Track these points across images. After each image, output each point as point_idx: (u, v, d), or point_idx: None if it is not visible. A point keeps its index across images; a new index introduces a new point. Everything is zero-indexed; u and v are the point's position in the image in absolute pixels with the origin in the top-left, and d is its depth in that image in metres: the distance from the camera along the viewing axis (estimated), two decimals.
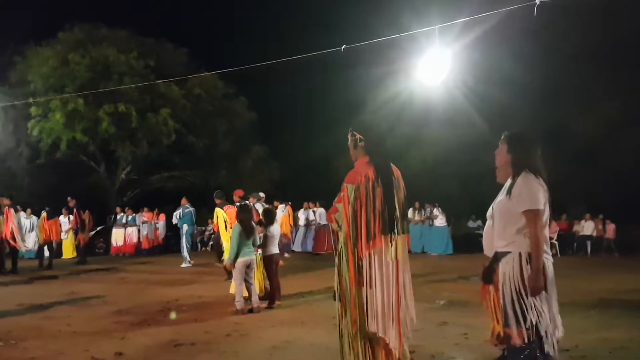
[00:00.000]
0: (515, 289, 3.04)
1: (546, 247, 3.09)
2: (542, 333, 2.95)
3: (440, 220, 16.56)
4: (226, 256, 9.46)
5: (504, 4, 6.58)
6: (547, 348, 2.96)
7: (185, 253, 13.10)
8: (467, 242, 16.52)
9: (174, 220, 13.69)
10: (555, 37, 19.03)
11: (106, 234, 18.21)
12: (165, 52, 22.26)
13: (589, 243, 17.11)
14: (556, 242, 16.06)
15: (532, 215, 3.02)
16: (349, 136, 3.67)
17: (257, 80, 22.76)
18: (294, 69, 21.40)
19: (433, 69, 10.29)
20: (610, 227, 17.08)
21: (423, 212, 16.97)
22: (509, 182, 3.26)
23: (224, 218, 9.43)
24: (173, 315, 6.74)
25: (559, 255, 15.85)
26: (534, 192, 3.06)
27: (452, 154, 21.73)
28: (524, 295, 3.00)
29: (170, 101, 20.81)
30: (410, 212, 16.82)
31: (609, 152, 21.52)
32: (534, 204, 3.03)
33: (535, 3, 5.45)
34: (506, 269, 3.11)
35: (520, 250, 3.07)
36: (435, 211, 16.70)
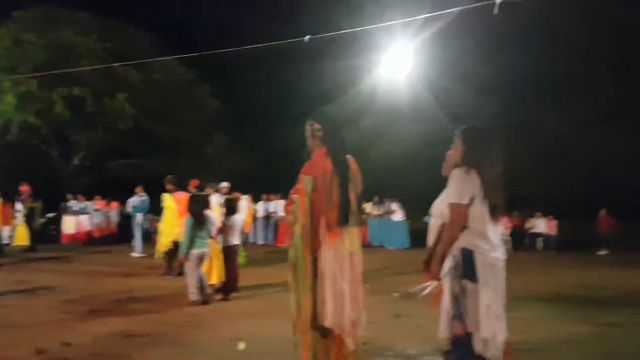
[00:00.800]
0: (453, 283, 3.09)
1: (482, 242, 3.06)
2: (477, 327, 2.98)
3: (398, 215, 16.80)
4: (162, 245, 9.31)
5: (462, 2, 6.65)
6: (476, 343, 2.98)
7: (137, 243, 12.81)
8: (424, 236, 16.76)
9: (128, 209, 13.33)
10: (520, 32, 19.43)
11: (58, 222, 17.61)
12: (125, 35, 21.62)
13: (540, 239, 17.64)
14: (509, 238, 16.50)
15: (452, 208, 3.07)
16: (308, 126, 3.63)
17: (223, 68, 22.46)
18: (259, 59, 21.23)
19: (398, 64, 10.38)
20: (552, 224, 17.64)
21: (382, 207, 17.16)
22: None
23: (170, 204, 9.23)
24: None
25: (511, 250, 16.28)
26: (459, 186, 3.07)
27: (417, 149, 21.95)
28: (460, 290, 3.04)
29: (130, 86, 20.25)
30: (369, 206, 16.99)
31: (572, 150, 22.20)
32: (455, 198, 3.07)
33: (495, 1, 5.51)
34: (447, 263, 3.14)
35: (460, 245, 3.09)
36: (394, 206, 16.94)
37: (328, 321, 3.36)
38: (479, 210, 3.07)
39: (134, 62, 13.89)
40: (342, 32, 7.33)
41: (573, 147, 21.91)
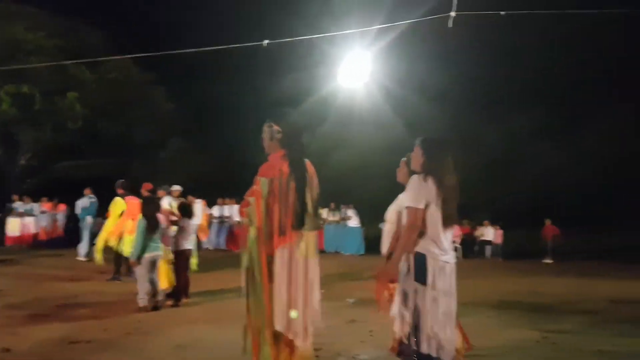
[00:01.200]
0: (405, 286, 3.16)
1: (434, 247, 3.16)
2: (428, 328, 3.05)
3: (354, 222, 16.94)
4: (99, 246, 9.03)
5: (421, 11, 6.79)
6: (426, 343, 3.05)
7: (84, 246, 12.39)
8: (379, 243, 16.96)
9: (77, 211, 12.89)
10: (473, 46, 20.07)
11: (2, 223, 16.82)
12: (78, 33, 20.95)
13: (489, 247, 18.15)
14: (460, 246, 16.91)
15: (408, 211, 3.16)
16: (266, 127, 3.60)
17: (181, 71, 22.11)
18: (219, 63, 21.01)
19: (356, 72, 10.50)
20: (499, 233, 18.21)
21: (338, 213, 17.26)
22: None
23: (120, 208, 8.99)
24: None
25: (461, 258, 16.67)
26: (416, 191, 3.17)
27: (374, 156, 22.24)
28: (411, 292, 3.11)
29: (81, 85, 19.61)
30: (325, 212, 17.06)
31: (518, 162, 23.05)
32: (412, 202, 3.15)
33: (450, 15, 5.66)
34: (401, 268, 3.21)
35: (415, 249, 3.16)
36: (350, 212, 17.08)
37: (280, 326, 3.33)
38: (434, 217, 3.17)
39: (85, 60, 13.50)
40: (300, 38, 7.35)
41: (518, 158, 22.80)
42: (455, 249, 17.06)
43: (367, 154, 21.98)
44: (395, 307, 3.27)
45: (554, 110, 23.19)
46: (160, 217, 6.93)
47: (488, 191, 21.25)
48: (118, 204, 9.10)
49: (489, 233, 18.23)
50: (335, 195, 17.40)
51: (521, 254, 17.65)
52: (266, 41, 7.03)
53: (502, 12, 5.78)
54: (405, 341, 3.16)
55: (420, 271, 3.12)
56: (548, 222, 17.71)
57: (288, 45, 7.95)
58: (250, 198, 3.45)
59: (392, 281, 3.37)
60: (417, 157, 3.36)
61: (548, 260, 16.86)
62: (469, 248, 17.98)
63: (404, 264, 3.19)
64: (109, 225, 8.98)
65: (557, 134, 23.40)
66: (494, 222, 18.48)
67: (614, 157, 22.66)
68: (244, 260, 3.45)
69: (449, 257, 3.22)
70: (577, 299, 8.54)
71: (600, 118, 22.71)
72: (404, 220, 3.26)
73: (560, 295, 8.84)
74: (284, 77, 20.82)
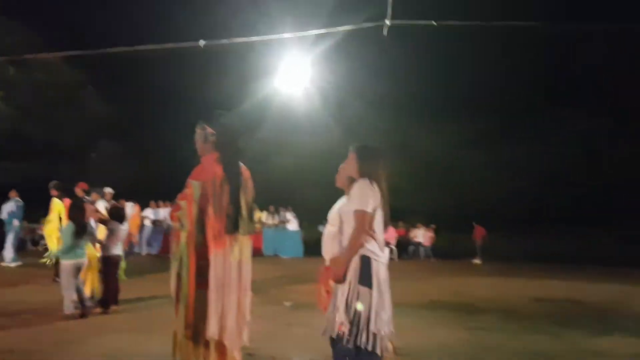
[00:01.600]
0: (350, 288, 3.20)
1: (378, 250, 3.26)
2: (371, 329, 3.12)
3: (292, 225, 16.97)
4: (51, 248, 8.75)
5: (359, 18, 6.92)
6: (371, 344, 3.12)
7: (10, 251, 11.70)
8: (318, 246, 17.10)
9: (3, 215, 12.16)
10: (410, 56, 20.66)
11: None
12: (2, 29, 19.76)
13: (421, 249, 18.73)
14: (394, 248, 17.32)
15: (357, 215, 3.22)
16: (199, 130, 3.55)
17: (113, 72, 21.32)
18: (153, 64, 20.43)
19: (295, 77, 10.53)
20: (429, 235, 18.85)
21: (277, 216, 17.24)
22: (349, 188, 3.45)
23: (59, 210, 8.73)
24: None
25: (396, 259, 17.08)
26: (364, 195, 3.25)
27: (314, 160, 22.38)
28: (355, 294, 3.16)
29: (6, 84, 18.52)
30: (264, 215, 16.99)
31: (449, 168, 23.93)
32: (361, 206, 3.22)
33: (385, 24, 5.79)
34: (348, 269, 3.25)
35: (359, 252, 3.22)
36: (288, 215, 17.10)
37: (212, 332, 3.28)
38: (378, 220, 3.29)
39: (9, 57, 12.78)
40: (237, 40, 7.28)
41: (452, 164, 23.72)
42: (391, 251, 17.52)
43: (306, 158, 22.12)
44: (335, 307, 3.30)
45: (487, 119, 24.30)
46: (89, 219, 6.65)
47: (422, 195, 21.94)
48: (56, 206, 8.82)
49: (422, 235, 18.81)
50: (274, 198, 17.38)
51: (452, 255, 18.33)
52: (202, 41, 6.91)
53: (435, 23, 5.98)
54: (345, 342, 3.19)
55: (365, 273, 3.20)
56: (477, 225, 18.49)
57: (226, 48, 7.84)
58: (181, 202, 3.38)
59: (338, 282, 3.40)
60: (351, 163, 3.47)
61: (477, 261, 17.61)
62: (404, 249, 18.45)
63: (353, 266, 3.24)
64: (52, 228, 8.71)
65: (489, 141, 24.52)
66: (427, 225, 19.10)
67: (542, 165, 24.03)
68: (174, 266, 3.37)
69: (386, 258, 3.34)
70: (502, 298, 8.96)
71: (530, 127, 24.09)
72: (348, 223, 3.31)
73: (487, 295, 9.24)
74: (221, 80, 20.57)
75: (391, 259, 17.43)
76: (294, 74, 10.42)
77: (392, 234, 17.21)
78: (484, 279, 12.15)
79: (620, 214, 22.04)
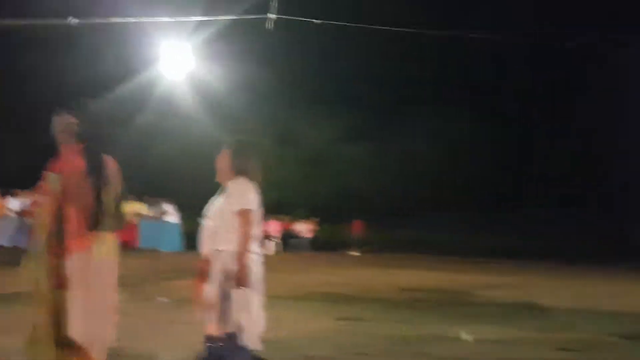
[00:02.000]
0: (225, 286, 3.20)
1: (256, 248, 3.32)
2: (243, 327, 3.15)
3: (171, 217, 16.43)
4: None
5: (245, 8, 6.86)
6: (246, 341, 3.16)
7: None
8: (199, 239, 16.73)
9: None
10: (294, 49, 20.86)
11: None
12: None
13: (303, 241, 19.13)
14: (279, 241, 17.53)
15: (242, 215, 3.24)
16: (59, 118, 3.29)
17: None
18: (16, 42, 18.41)
19: (178, 63, 10.19)
20: (310, 227, 19.39)
21: (155, 208, 16.58)
22: (227, 184, 3.44)
23: None
24: None
25: (282, 252, 17.28)
26: (246, 194, 3.29)
27: (195, 150, 21.76)
28: (230, 292, 3.17)
29: None
30: (141, 207, 16.24)
31: (331, 163, 24.64)
32: (244, 205, 3.25)
33: (269, 17, 5.81)
34: (220, 267, 3.26)
35: (233, 249, 3.25)
36: (167, 207, 16.52)
37: (73, 333, 3.09)
38: (257, 217, 3.33)
39: None
40: (113, 19, 6.87)
41: (335, 157, 24.48)
42: (275, 244, 17.71)
43: (188, 148, 21.51)
44: (211, 306, 3.27)
45: (369, 113, 25.41)
46: None
47: (305, 187, 22.37)
48: None
49: (303, 228, 19.21)
50: (154, 189, 16.70)
51: (333, 246, 18.96)
52: (73, 19, 6.41)
53: (317, 21, 6.10)
54: (221, 341, 3.18)
55: (245, 272, 3.19)
56: (356, 217, 19.29)
57: (101, 28, 7.37)
58: (40, 196, 3.13)
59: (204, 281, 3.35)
60: (225, 158, 3.47)
61: (355, 253, 18.38)
62: (287, 242, 18.71)
63: (224, 265, 3.23)
64: None
65: (372, 135, 25.67)
66: (309, 217, 19.54)
67: (417, 159, 25.61)
68: (31, 264, 3.13)
69: (257, 254, 3.37)
70: (375, 288, 9.47)
71: (404, 123, 25.56)
72: (228, 222, 3.29)
73: (361, 285, 9.71)
74: (95, 63, 19.20)
75: (276, 251, 17.59)
76: (176, 60, 10.10)
77: (276, 227, 17.38)
78: (359, 270, 12.73)
79: (480, 205, 24.31)
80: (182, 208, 16.85)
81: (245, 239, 3.23)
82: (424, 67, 24.78)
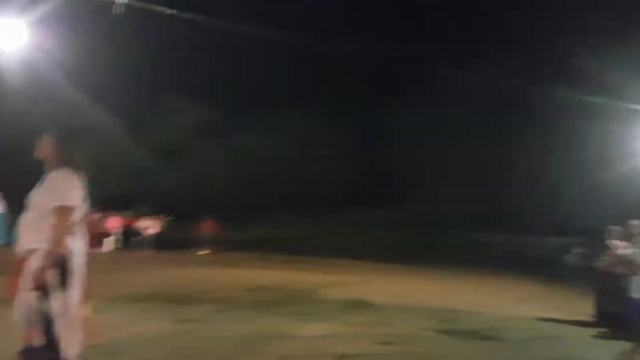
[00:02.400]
0: (39, 287, 2.94)
1: (78, 249, 3.10)
2: (59, 332, 2.95)
3: None
4: None
5: None
6: (65, 349, 2.96)
7: None
8: None
9: None
10: (142, 36, 19.85)
11: None
12: None
13: (147, 239, 18.27)
14: (120, 237, 16.57)
15: (61, 211, 2.99)
16: None
17: None
18: None
19: (9, 35, 9.16)
20: (155, 224, 18.68)
21: None
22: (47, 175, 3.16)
23: None
24: None
25: (123, 249, 16.34)
26: (67, 188, 3.04)
27: (28, 134, 19.54)
28: (45, 293, 2.94)
29: None
30: None
31: (182, 156, 23.87)
32: (65, 200, 3.00)
33: (117, 2, 5.50)
34: (33, 265, 2.98)
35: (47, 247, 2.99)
36: None
37: None
38: (78, 214, 3.06)
39: None
40: None
41: (184, 152, 23.81)
42: (116, 240, 16.69)
43: (16, 129, 19.33)
44: (25, 309, 2.98)
45: (223, 108, 25.19)
46: None
47: (153, 182, 21.40)
48: None
49: (148, 224, 18.35)
50: None
51: (180, 245, 18.37)
52: None
53: (168, 11, 5.91)
54: (30, 347, 2.93)
55: (61, 274, 2.95)
56: (206, 215, 18.94)
57: None
58: None
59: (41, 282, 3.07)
60: (47, 146, 3.18)
61: (204, 252, 18.03)
62: (129, 239, 17.73)
63: (42, 265, 2.94)
64: None
65: (221, 131, 25.40)
66: (154, 214, 18.67)
67: (272, 156, 25.88)
68: None
69: (82, 253, 3.15)
70: (217, 288, 9.38)
71: (264, 120, 25.84)
72: (45, 216, 3.00)
73: (204, 285, 9.56)
74: None
75: (115, 249, 16.50)
76: (9, 34, 9.10)
77: (117, 223, 16.40)
78: (206, 270, 12.52)
79: (329, 205, 25.35)
80: (10, 197, 15.09)
81: (59, 237, 2.97)
82: (279, 66, 25.28)
